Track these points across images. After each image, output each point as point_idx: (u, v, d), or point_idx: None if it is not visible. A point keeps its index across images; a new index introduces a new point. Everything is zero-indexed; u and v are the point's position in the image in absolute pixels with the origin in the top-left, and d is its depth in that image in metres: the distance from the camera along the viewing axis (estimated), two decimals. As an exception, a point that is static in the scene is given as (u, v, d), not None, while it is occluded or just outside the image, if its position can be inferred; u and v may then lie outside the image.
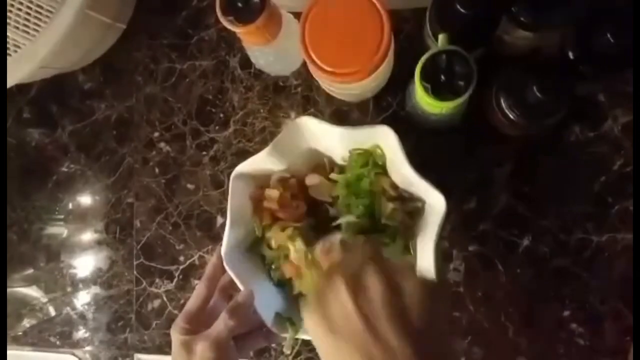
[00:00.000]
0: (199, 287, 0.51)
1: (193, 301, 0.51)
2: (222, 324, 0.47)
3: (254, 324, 0.51)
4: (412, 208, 0.51)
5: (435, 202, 0.47)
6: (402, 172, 0.48)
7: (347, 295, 0.32)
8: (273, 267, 0.54)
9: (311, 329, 0.35)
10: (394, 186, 0.52)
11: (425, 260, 0.48)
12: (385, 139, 0.49)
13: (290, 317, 0.52)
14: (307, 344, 0.61)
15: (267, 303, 0.51)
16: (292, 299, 0.54)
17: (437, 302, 0.34)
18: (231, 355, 0.48)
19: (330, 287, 0.34)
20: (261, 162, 0.51)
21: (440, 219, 0.46)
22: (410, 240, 0.51)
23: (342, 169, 0.54)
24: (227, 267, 0.51)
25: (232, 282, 0.52)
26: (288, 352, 0.55)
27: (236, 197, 0.52)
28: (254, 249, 0.55)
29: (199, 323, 0.49)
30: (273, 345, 0.62)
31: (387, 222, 0.51)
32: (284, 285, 0.54)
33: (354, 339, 0.31)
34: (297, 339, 0.52)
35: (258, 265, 0.55)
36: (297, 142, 0.52)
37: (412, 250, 0.51)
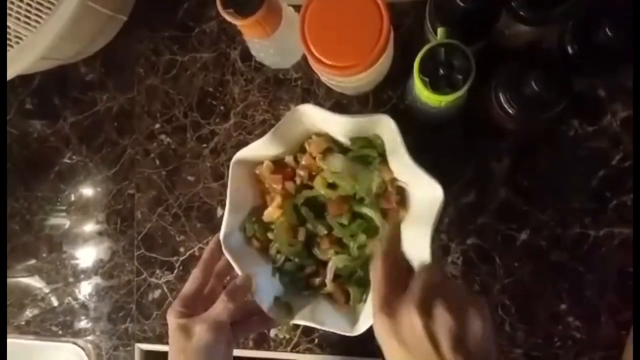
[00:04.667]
0: (196, 272, 0.51)
1: (189, 285, 0.51)
2: (221, 306, 0.47)
3: (250, 309, 0.52)
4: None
5: (432, 192, 0.47)
6: (401, 162, 0.49)
7: (418, 318, 0.35)
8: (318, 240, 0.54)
9: (383, 337, 0.38)
10: (393, 180, 0.52)
11: (421, 250, 0.48)
12: (385, 128, 0.49)
13: (288, 302, 0.52)
14: (306, 334, 0.62)
15: (265, 288, 0.52)
16: (291, 284, 0.55)
17: (492, 343, 0.37)
18: (228, 339, 0.48)
19: (403, 304, 0.37)
20: (261, 148, 0.52)
21: (437, 209, 0.47)
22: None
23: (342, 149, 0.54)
24: (225, 252, 0.51)
25: (228, 267, 0.52)
26: (282, 336, 0.56)
27: (236, 182, 0.53)
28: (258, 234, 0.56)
29: (195, 307, 0.49)
30: (272, 335, 0.63)
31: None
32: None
33: (423, 356, 0.35)
34: (292, 325, 0.53)
35: (256, 250, 0.55)
36: (298, 129, 0.52)
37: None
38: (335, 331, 0.51)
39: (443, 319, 0.35)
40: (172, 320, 0.48)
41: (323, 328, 0.51)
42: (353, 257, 0.53)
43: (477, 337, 0.35)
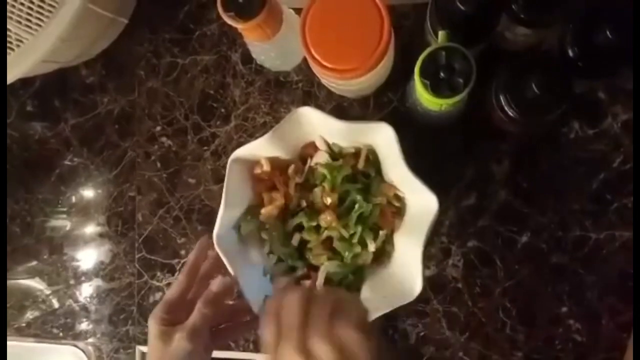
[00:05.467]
0: (180, 277, 0.51)
1: (173, 291, 0.50)
2: (197, 314, 0.47)
3: (234, 311, 0.52)
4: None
5: (428, 203, 0.47)
6: (398, 171, 0.49)
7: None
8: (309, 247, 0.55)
9: None
10: (395, 197, 0.53)
11: (412, 258, 0.48)
12: (383, 136, 0.49)
13: None
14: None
15: (255, 287, 0.52)
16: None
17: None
18: (207, 346, 0.48)
19: (285, 341, 0.37)
20: (260, 148, 0.52)
21: (431, 220, 0.47)
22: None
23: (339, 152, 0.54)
24: (217, 250, 0.51)
25: (213, 269, 0.52)
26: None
27: (232, 180, 0.53)
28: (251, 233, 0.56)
29: (178, 313, 0.48)
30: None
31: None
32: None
33: None
34: None
35: (249, 249, 0.55)
36: (297, 131, 0.53)
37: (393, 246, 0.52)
38: None
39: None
40: (153, 326, 0.48)
41: None
42: (345, 264, 0.53)
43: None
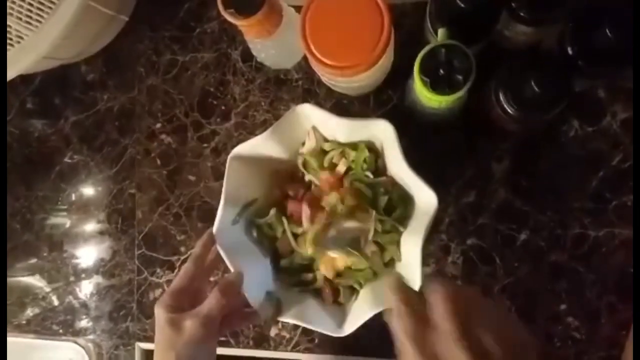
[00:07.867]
0: (187, 266, 0.51)
1: (181, 279, 0.50)
2: (213, 302, 0.47)
3: (234, 304, 0.52)
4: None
5: (426, 200, 0.47)
6: (397, 167, 0.49)
7: (461, 348, 0.31)
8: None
9: None
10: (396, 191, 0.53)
11: (411, 255, 0.48)
12: (383, 133, 0.49)
13: (278, 297, 0.52)
14: (306, 334, 0.62)
15: (256, 283, 0.52)
16: (288, 279, 0.55)
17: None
18: (216, 335, 0.49)
19: (442, 344, 0.32)
20: (259, 145, 0.52)
21: (430, 216, 0.47)
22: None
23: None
24: (218, 246, 0.51)
25: (217, 261, 0.52)
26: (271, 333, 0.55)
27: (232, 177, 0.53)
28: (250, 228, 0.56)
29: (184, 301, 0.49)
30: (272, 335, 0.63)
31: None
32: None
33: None
34: (278, 321, 0.53)
35: (249, 245, 0.55)
36: (296, 128, 0.53)
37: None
38: (322, 331, 0.50)
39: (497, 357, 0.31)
40: (162, 313, 0.48)
41: (311, 327, 0.51)
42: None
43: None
